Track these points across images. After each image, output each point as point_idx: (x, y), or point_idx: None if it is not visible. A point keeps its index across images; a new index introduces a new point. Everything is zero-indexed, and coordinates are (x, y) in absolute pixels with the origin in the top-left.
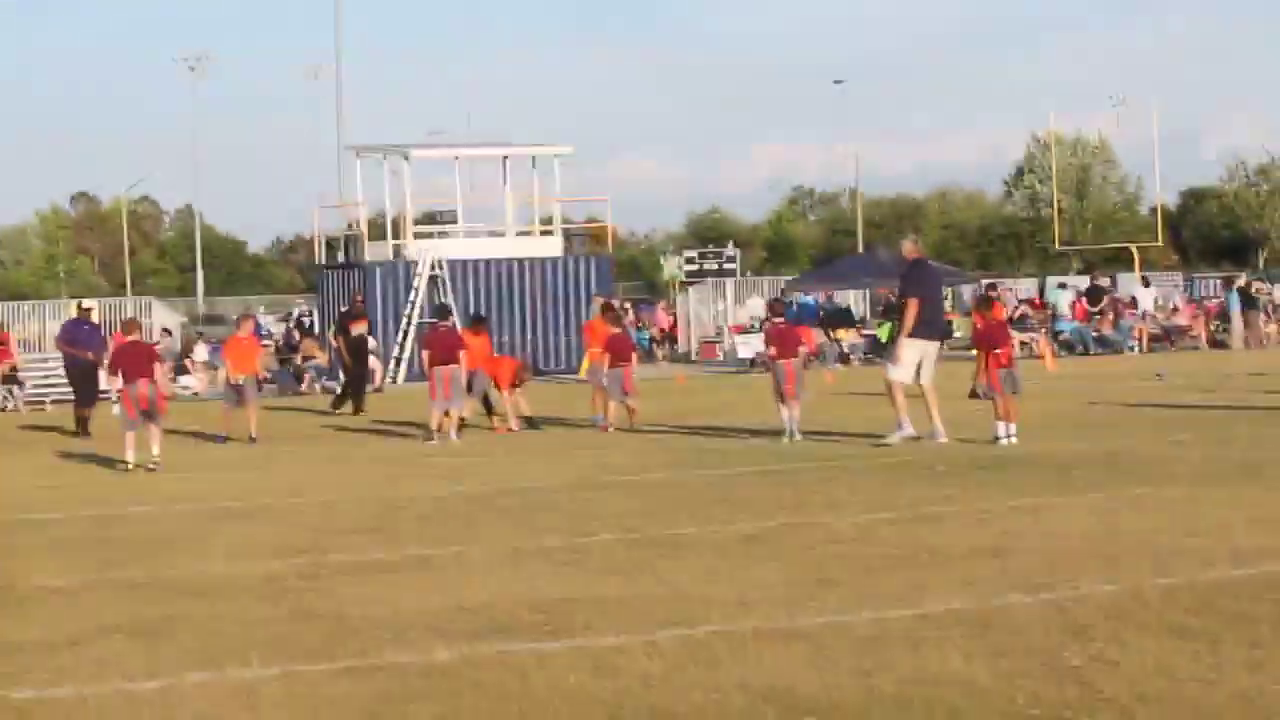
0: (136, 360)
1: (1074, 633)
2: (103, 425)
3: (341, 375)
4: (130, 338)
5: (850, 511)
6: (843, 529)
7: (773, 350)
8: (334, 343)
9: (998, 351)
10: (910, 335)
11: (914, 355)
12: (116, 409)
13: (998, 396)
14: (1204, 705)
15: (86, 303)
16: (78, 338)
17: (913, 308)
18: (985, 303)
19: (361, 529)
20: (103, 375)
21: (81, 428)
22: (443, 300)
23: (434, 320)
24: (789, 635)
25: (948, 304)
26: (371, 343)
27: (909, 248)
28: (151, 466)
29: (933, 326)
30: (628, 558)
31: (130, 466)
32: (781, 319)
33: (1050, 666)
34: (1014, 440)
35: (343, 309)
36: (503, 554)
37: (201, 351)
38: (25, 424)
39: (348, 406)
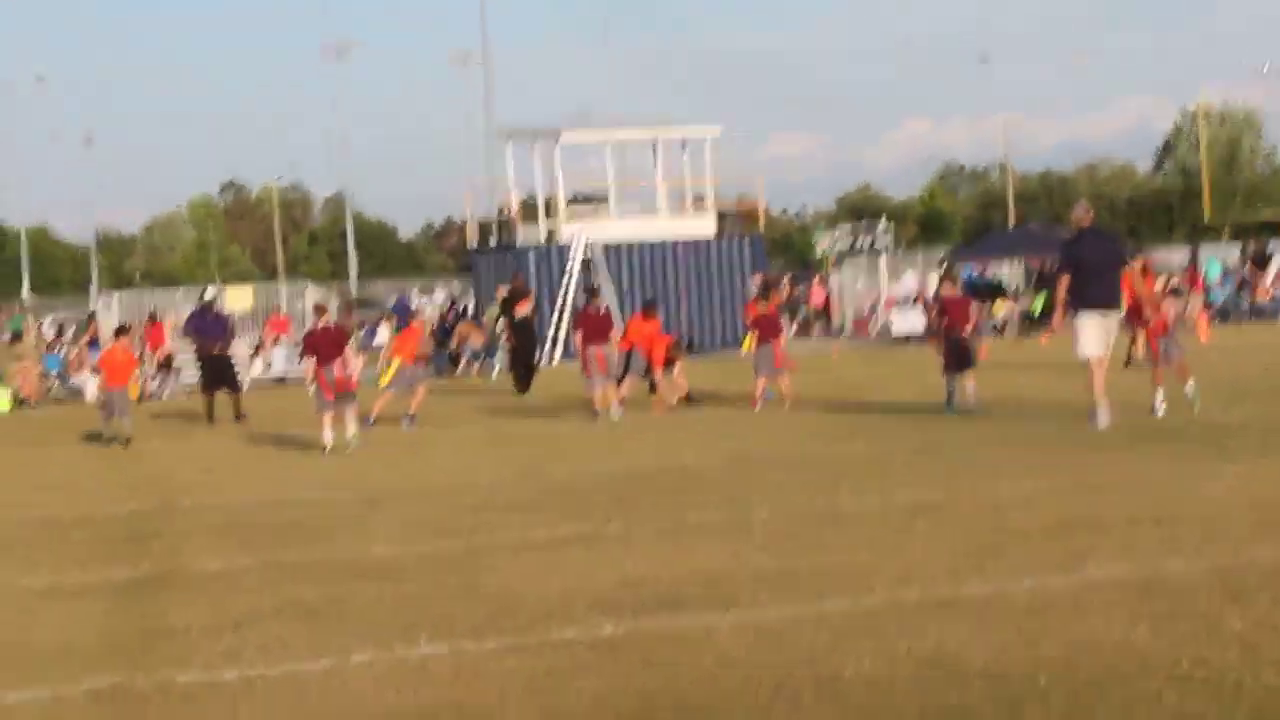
0: (329, 343)
1: (1235, 597)
2: (226, 411)
3: (501, 357)
4: (322, 322)
5: (1010, 481)
6: (1003, 499)
7: (946, 320)
8: (484, 324)
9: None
10: (1083, 309)
11: (1091, 326)
12: (312, 390)
13: (1157, 365)
14: None
15: (209, 293)
16: (201, 328)
17: (1061, 284)
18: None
19: (523, 507)
20: (240, 361)
21: (207, 414)
22: (594, 283)
23: (586, 301)
24: (953, 604)
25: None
26: None
27: (1079, 213)
28: (351, 448)
29: (1098, 298)
30: (790, 531)
31: (328, 449)
32: (955, 289)
33: (1213, 630)
34: (1193, 396)
35: (502, 293)
36: (665, 529)
37: (384, 334)
38: (180, 411)
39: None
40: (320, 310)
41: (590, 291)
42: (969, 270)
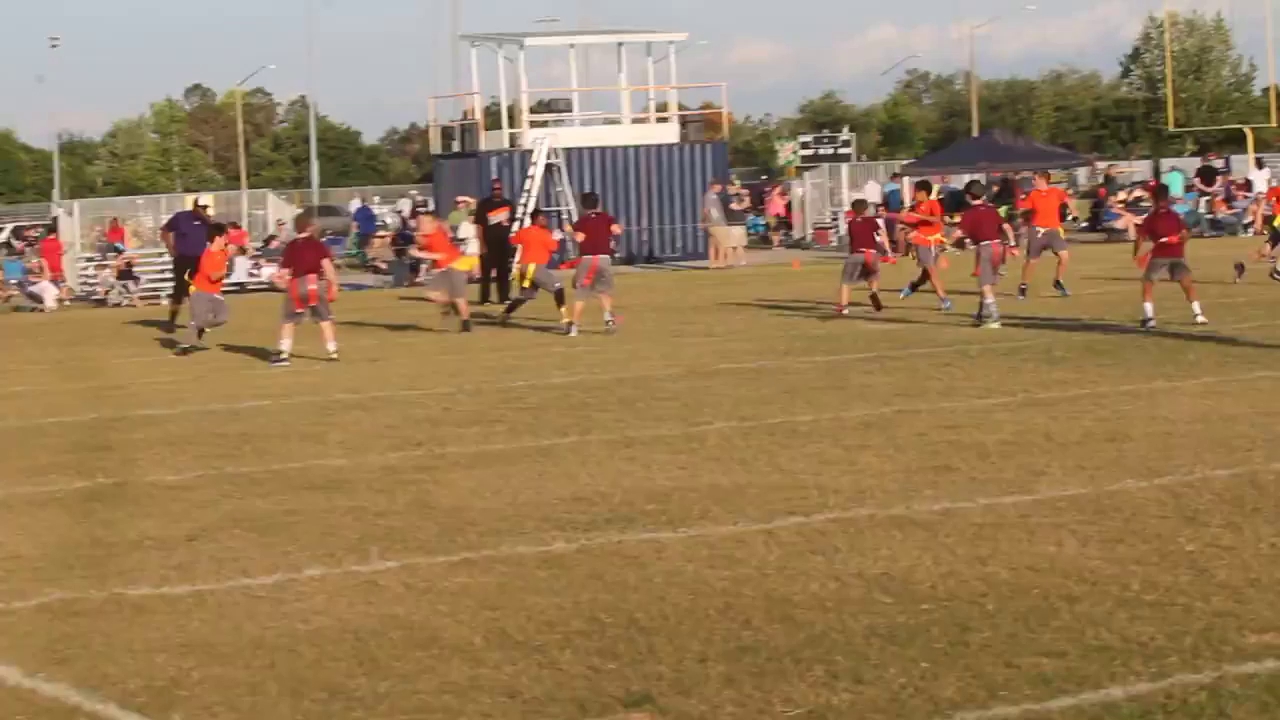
0: (305, 256)
1: (1188, 518)
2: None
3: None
4: (303, 234)
5: (965, 397)
6: (958, 415)
7: (970, 235)
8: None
9: (1164, 241)
10: None
11: None
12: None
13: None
14: None
15: (203, 199)
16: (178, 228)
17: None
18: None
19: (478, 420)
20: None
21: (170, 321)
22: (559, 188)
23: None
24: (905, 523)
25: (1063, 186)
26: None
27: None
28: (331, 359)
29: None
30: (744, 446)
31: (283, 356)
32: (980, 201)
33: (1165, 552)
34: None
35: (463, 201)
36: (619, 443)
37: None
38: (140, 319)
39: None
40: (303, 223)
41: (588, 200)
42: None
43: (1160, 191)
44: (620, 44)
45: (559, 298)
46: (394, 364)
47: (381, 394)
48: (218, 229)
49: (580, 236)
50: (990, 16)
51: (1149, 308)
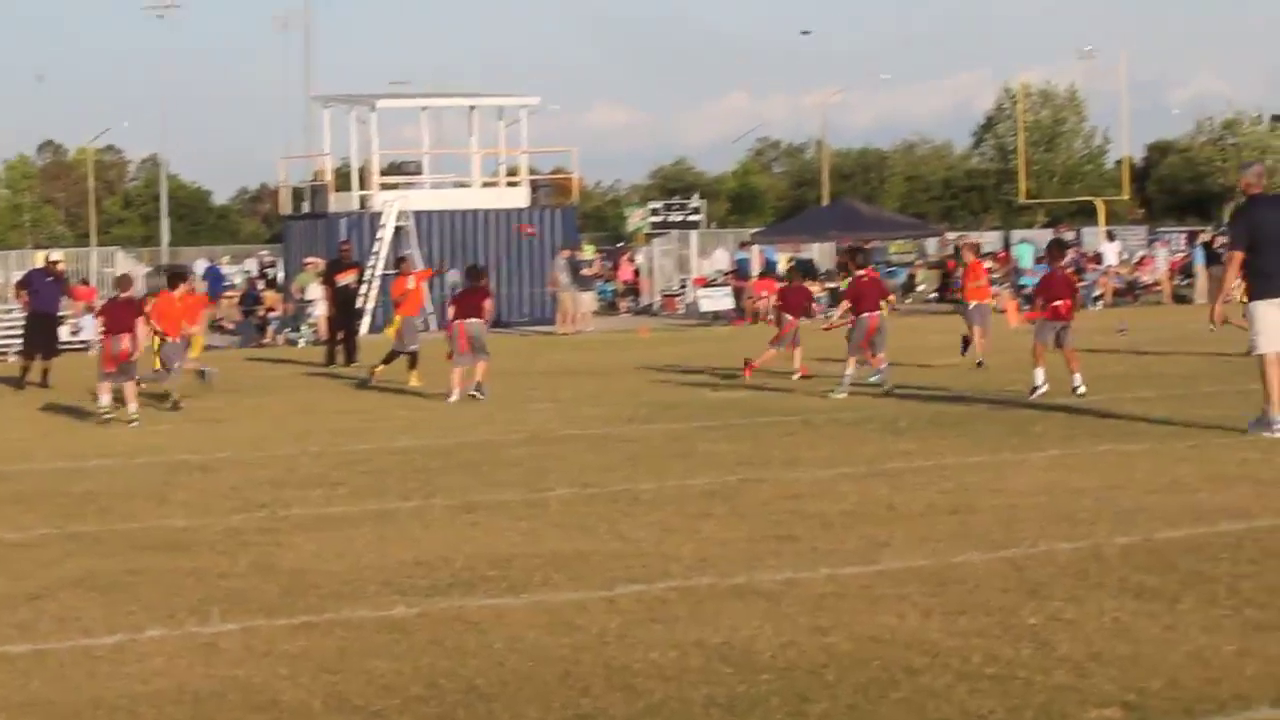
0: (119, 315)
1: (1031, 591)
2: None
3: (305, 328)
4: (124, 294)
5: (810, 467)
6: (802, 485)
7: (851, 304)
8: (296, 294)
9: (1056, 304)
10: (1256, 297)
11: (1271, 317)
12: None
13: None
14: (1160, 665)
15: (55, 255)
16: (32, 284)
17: (1233, 263)
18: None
19: (321, 482)
20: (63, 330)
21: (20, 378)
22: (405, 251)
23: (397, 269)
24: (747, 592)
25: (912, 256)
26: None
27: (1250, 178)
28: (130, 422)
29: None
30: (586, 512)
31: (107, 416)
32: (865, 271)
33: (1007, 625)
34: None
35: (312, 262)
36: (461, 508)
37: None
38: None
39: (340, 359)
40: (123, 283)
41: (473, 273)
42: (741, 254)
43: (1059, 246)
44: (472, 107)
45: (413, 360)
46: (240, 425)
47: (225, 455)
48: (179, 277)
49: (451, 311)
50: (843, 86)
51: (1040, 374)
